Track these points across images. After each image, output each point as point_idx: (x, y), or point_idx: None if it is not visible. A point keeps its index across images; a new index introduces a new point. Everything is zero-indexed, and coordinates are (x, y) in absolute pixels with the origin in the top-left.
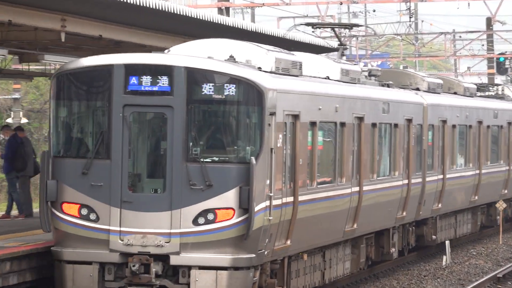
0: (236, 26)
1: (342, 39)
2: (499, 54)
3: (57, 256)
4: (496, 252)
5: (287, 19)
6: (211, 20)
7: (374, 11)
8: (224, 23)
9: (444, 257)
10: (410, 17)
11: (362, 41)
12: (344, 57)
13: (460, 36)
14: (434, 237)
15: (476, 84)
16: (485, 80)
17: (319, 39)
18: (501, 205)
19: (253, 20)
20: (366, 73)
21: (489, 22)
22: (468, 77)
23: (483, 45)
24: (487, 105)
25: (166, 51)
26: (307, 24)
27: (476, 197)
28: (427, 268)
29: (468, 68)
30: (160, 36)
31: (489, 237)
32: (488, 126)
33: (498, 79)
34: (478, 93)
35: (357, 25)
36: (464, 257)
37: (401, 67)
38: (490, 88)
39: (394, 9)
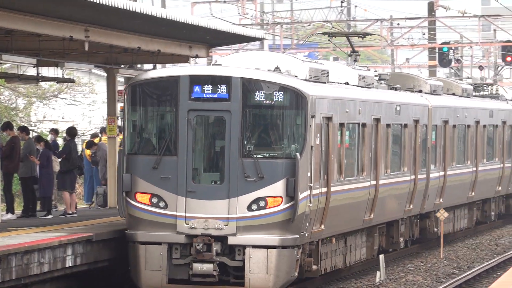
0: (146, 13)
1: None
2: (442, 43)
3: (131, 238)
4: (436, 267)
5: (202, 4)
6: (117, 6)
7: None
8: (132, 9)
9: (378, 273)
10: (341, 2)
11: (287, 29)
12: (356, 64)
13: (398, 24)
14: (435, 229)
15: (472, 85)
16: (425, 72)
17: (240, 28)
18: (441, 215)
19: (163, 6)
20: (377, 78)
21: (431, 7)
22: (406, 70)
23: (424, 33)
24: (483, 105)
25: (213, 62)
26: (324, 33)
27: (473, 193)
28: (358, 286)
29: (407, 59)
30: (57, 23)
31: (429, 250)
32: (485, 126)
33: (441, 71)
34: (474, 93)
35: (369, 34)
36: (400, 273)
37: (331, 59)
38: (485, 88)
39: None
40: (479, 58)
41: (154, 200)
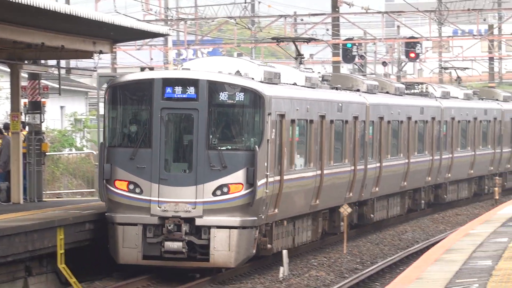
0: (49, 9)
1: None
2: (346, 39)
3: (111, 220)
4: (340, 262)
5: (106, 0)
6: (20, 2)
7: None
8: (35, 5)
9: (281, 268)
10: None
11: (192, 25)
12: (302, 66)
13: (302, 19)
14: (372, 215)
15: (404, 83)
16: (329, 69)
17: (144, 24)
18: (345, 210)
19: (67, 1)
20: (321, 78)
21: (334, 3)
22: (310, 66)
23: (327, 29)
24: (414, 102)
25: (179, 66)
26: (273, 39)
27: (405, 183)
28: (261, 281)
29: (311, 55)
30: None
31: (332, 245)
32: (416, 121)
33: (345, 67)
34: (406, 91)
35: (314, 39)
36: (304, 268)
37: (235, 55)
38: (416, 86)
39: None
40: (383, 54)
41: (131, 186)
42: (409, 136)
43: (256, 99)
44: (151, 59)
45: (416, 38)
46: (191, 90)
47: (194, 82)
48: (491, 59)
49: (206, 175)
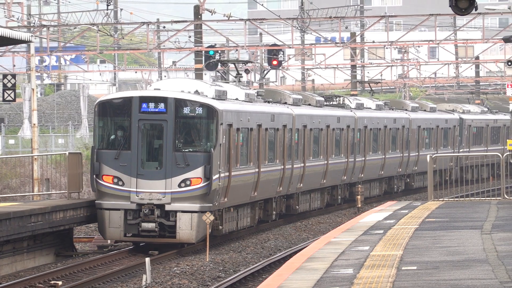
0: None
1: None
2: (208, 47)
3: (100, 206)
4: (202, 270)
5: None
6: None
7: None
8: None
9: (144, 276)
10: (107, 5)
11: (54, 32)
12: (240, 83)
13: (164, 27)
14: (297, 207)
15: (324, 97)
16: (192, 75)
17: (6, 30)
18: (207, 218)
19: None
20: (256, 94)
21: (197, 11)
22: (173, 73)
23: (190, 36)
24: (332, 113)
25: (149, 85)
26: (218, 61)
27: (325, 181)
28: None
29: (174, 62)
30: None
31: (195, 254)
32: (333, 129)
33: (207, 74)
34: (326, 103)
35: (251, 62)
36: (166, 276)
37: (98, 61)
38: (334, 98)
39: None
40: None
41: (115, 180)
42: (327, 141)
43: (211, 112)
44: (14, 65)
45: (279, 45)
46: (161, 105)
47: (163, 99)
48: (353, 66)
49: (173, 171)
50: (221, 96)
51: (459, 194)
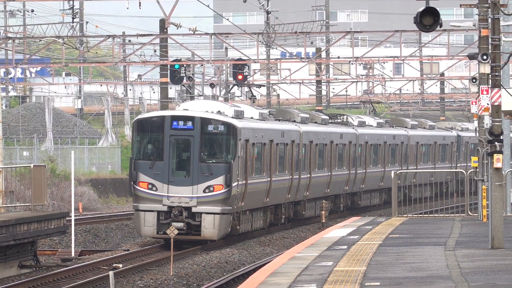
0: None
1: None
2: (174, 61)
3: (136, 208)
4: (166, 284)
5: None
6: None
7: (32, 11)
8: None
9: None
10: (73, 18)
11: (20, 44)
12: (254, 104)
13: (130, 40)
14: (304, 212)
15: (329, 115)
16: (157, 89)
17: None
18: (171, 231)
19: None
20: (268, 113)
21: (162, 24)
22: (138, 86)
23: (155, 51)
24: (335, 130)
25: (179, 107)
26: (235, 84)
27: (328, 190)
28: None
29: (139, 76)
30: None
31: (159, 267)
32: (337, 144)
33: (173, 88)
34: (331, 121)
35: (262, 85)
36: None
37: (63, 74)
38: (338, 117)
39: (57, 8)
40: (211, 76)
41: (150, 186)
42: (331, 155)
43: (231, 129)
44: None
45: (244, 60)
46: (189, 123)
47: (191, 118)
48: (318, 82)
49: (199, 179)
50: (239, 115)
51: (423, 211)
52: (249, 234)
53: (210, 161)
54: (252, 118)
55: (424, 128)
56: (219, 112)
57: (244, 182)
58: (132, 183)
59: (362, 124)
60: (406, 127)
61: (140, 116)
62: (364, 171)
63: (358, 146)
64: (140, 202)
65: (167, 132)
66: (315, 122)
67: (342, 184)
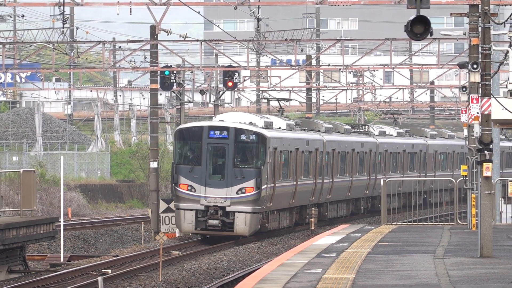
0: None
1: None
2: (164, 67)
3: (177, 207)
4: None
5: None
6: None
7: (23, 16)
8: None
9: None
10: (63, 23)
11: (10, 49)
12: (283, 116)
13: (120, 47)
14: (326, 213)
15: (351, 125)
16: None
17: None
18: (161, 238)
19: None
20: (295, 123)
21: (153, 31)
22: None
23: (145, 57)
24: (357, 139)
25: (215, 118)
26: (264, 98)
27: (350, 194)
28: None
29: (129, 82)
30: None
31: (148, 273)
32: (358, 152)
33: (163, 95)
34: (353, 130)
35: (292, 99)
36: None
37: (53, 80)
38: (361, 127)
39: (48, 14)
40: (201, 82)
41: (189, 188)
42: (352, 162)
43: (261, 138)
44: None
45: (234, 67)
46: (224, 133)
47: (226, 128)
48: (308, 89)
49: (232, 182)
50: (268, 126)
51: (412, 219)
52: (240, 241)
53: (243, 166)
54: (280, 128)
55: (444, 137)
56: (250, 123)
57: (272, 185)
58: (173, 185)
59: (382, 134)
60: (425, 137)
61: (181, 126)
62: (384, 177)
63: (378, 154)
64: (180, 202)
65: (205, 140)
66: (338, 132)
67: (362, 188)
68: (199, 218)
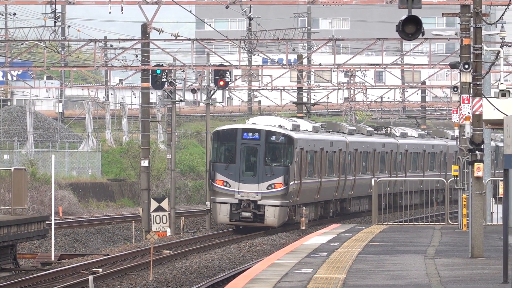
0: None
1: None
2: (155, 66)
3: (214, 200)
4: None
5: None
6: None
7: (14, 14)
8: None
9: None
10: (55, 22)
11: (1, 47)
12: (309, 119)
13: (112, 45)
14: (349, 208)
15: (374, 127)
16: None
17: None
18: (152, 237)
19: None
20: (320, 126)
21: (144, 29)
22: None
23: (137, 56)
24: (379, 140)
25: (249, 121)
26: (293, 103)
27: (371, 190)
28: None
29: (121, 80)
30: None
31: (139, 272)
32: (379, 152)
33: (154, 93)
34: (376, 132)
35: (321, 103)
36: None
37: (45, 78)
38: (384, 128)
39: (39, 12)
40: (192, 81)
41: (225, 183)
42: (374, 161)
43: (289, 139)
44: None
45: (226, 66)
46: (256, 134)
47: (258, 130)
48: (300, 89)
49: (263, 178)
50: (296, 128)
51: (403, 219)
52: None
53: (272, 165)
54: (306, 130)
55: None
56: (280, 126)
57: (299, 181)
58: (210, 180)
59: (404, 135)
60: (446, 138)
61: (218, 128)
62: (405, 175)
63: (399, 154)
64: (216, 196)
65: (239, 141)
66: (361, 133)
67: (384, 185)
68: (233, 210)
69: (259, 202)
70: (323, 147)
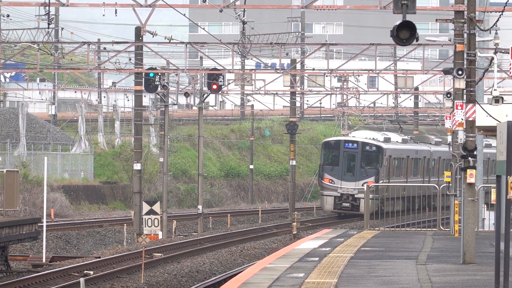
0: None
1: None
2: (149, 69)
3: (322, 194)
4: None
5: None
6: None
7: (8, 16)
8: None
9: None
10: (48, 24)
11: None
12: (400, 132)
13: (105, 48)
14: (433, 203)
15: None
16: (131, 96)
17: None
18: (143, 240)
19: None
20: (409, 138)
21: (138, 32)
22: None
23: (130, 58)
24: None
25: (350, 134)
26: (389, 120)
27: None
28: None
29: (114, 83)
30: None
31: (130, 275)
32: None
33: (147, 97)
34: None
35: (405, 121)
36: None
37: (37, 80)
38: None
39: (33, 14)
40: (186, 85)
41: (331, 181)
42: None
43: (380, 149)
44: None
45: (219, 70)
46: (355, 145)
47: (356, 142)
48: (293, 93)
49: (359, 178)
50: (386, 140)
51: (395, 224)
52: (224, 244)
53: (367, 168)
54: (396, 142)
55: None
56: (373, 138)
57: (387, 181)
58: (319, 178)
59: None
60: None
61: (326, 139)
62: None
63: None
64: (324, 190)
65: (342, 149)
66: (448, 144)
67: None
68: (336, 201)
69: (356, 196)
70: (408, 155)
